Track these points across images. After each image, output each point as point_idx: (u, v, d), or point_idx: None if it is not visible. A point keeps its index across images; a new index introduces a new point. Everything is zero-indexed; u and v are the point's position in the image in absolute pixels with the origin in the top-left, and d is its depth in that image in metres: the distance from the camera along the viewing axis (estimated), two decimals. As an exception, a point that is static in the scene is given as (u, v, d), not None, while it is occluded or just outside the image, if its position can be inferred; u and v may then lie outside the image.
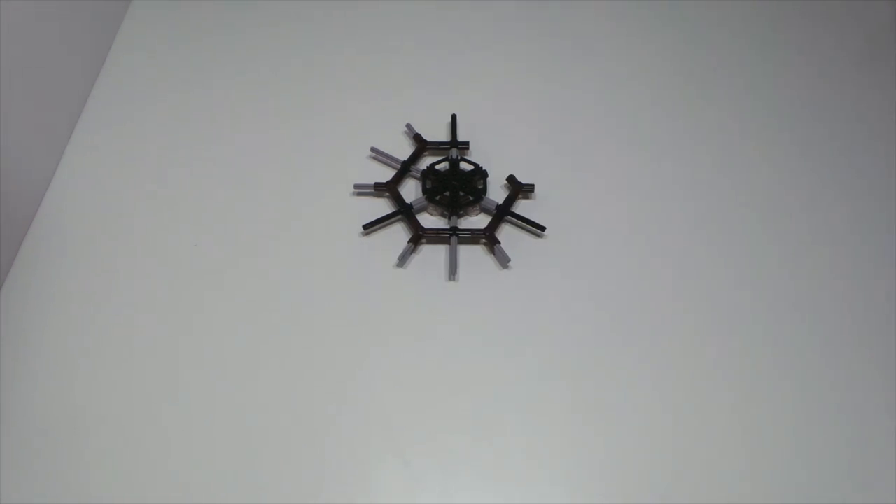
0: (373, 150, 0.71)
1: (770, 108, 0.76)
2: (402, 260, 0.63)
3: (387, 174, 0.70)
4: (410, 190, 0.69)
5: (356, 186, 0.68)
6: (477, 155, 0.72)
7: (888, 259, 0.64)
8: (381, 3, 0.86)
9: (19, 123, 0.64)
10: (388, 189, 0.68)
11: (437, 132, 0.74)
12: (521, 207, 0.68)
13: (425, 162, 0.71)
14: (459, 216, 0.66)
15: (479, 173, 0.68)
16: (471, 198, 0.66)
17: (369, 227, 0.65)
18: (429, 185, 0.67)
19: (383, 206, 0.68)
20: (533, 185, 0.68)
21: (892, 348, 0.59)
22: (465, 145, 0.71)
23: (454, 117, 0.73)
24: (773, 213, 0.67)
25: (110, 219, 0.67)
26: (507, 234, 0.66)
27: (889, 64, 0.79)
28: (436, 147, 0.71)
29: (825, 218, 0.67)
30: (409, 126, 0.73)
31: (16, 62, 0.63)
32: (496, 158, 0.71)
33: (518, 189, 0.68)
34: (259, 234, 0.66)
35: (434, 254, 0.65)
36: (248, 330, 0.60)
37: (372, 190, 0.68)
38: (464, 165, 0.70)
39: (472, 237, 0.65)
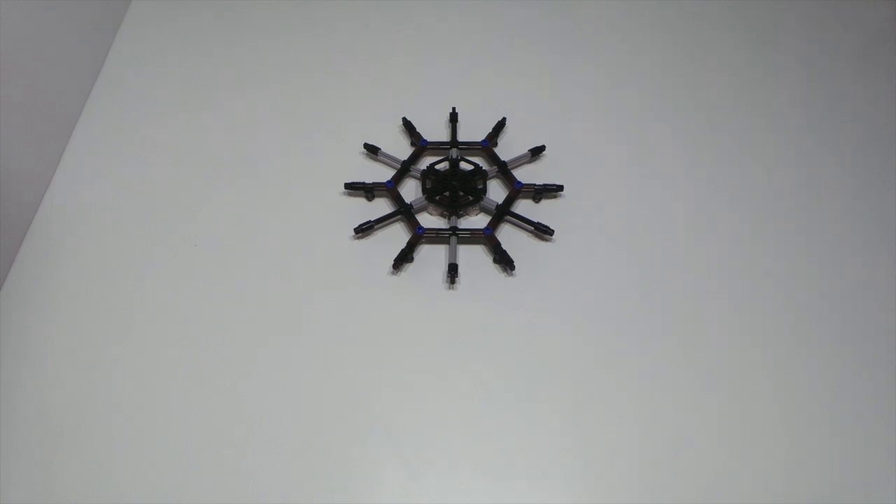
0: (373, 148, 0.71)
1: (771, 106, 0.76)
2: (398, 266, 0.63)
3: (386, 174, 0.70)
4: (410, 190, 0.69)
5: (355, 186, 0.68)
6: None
7: (889, 257, 0.64)
8: (381, 3, 0.86)
9: (19, 123, 0.64)
10: (388, 189, 0.68)
11: (437, 132, 0.73)
12: (521, 207, 0.68)
13: (425, 162, 0.71)
14: (459, 216, 0.66)
15: (479, 173, 0.68)
16: (470, 198, 0.66)
17: (359, 230, 0.65)
18: (428, 185, 0.67)
19: (384, 207, 0.68)
20: (533, 185, 0.68)
21: (894, 347, 0.59)
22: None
23: (454, 116, 0.73)
24: (775, 212, 0.67)
25: (110, 219, 0.67)
26: (508, 235, 0.66)
27: (889, 64, 0.79)
28: (436, 147, 0.71)
29: (828, 216, 0.67)
30: (408, 124, 0.73)
31: (16, 62, 0.63)
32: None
33: (518, 189, 0.67)
34: (258, 233, 0.66)
35: (434, 254, 0.65)
36: (248, 329, 0.60)
37: (370, 191, 0.68)
38: (464, 165, 0.70)
39: (472, 237, 0.65)
